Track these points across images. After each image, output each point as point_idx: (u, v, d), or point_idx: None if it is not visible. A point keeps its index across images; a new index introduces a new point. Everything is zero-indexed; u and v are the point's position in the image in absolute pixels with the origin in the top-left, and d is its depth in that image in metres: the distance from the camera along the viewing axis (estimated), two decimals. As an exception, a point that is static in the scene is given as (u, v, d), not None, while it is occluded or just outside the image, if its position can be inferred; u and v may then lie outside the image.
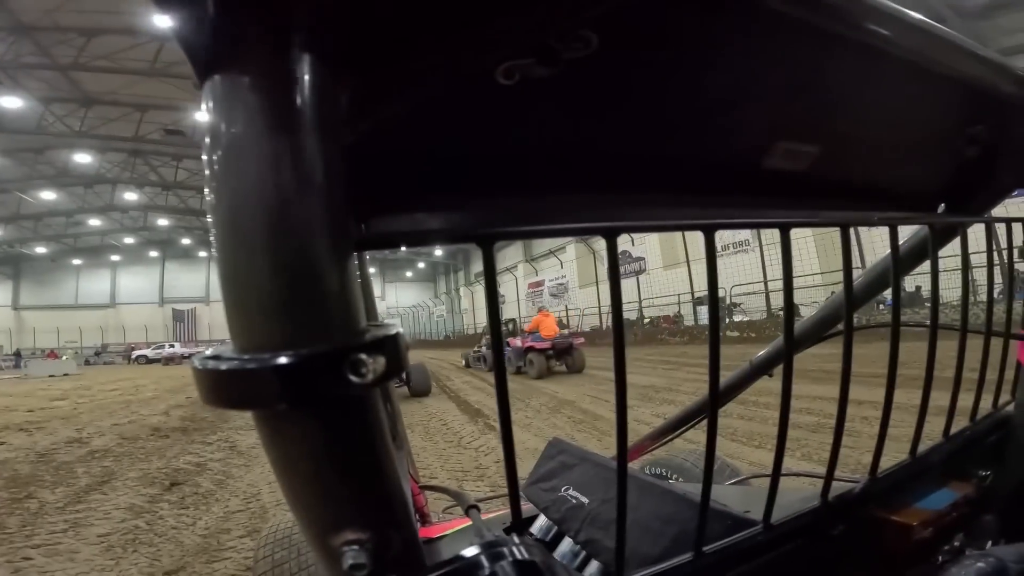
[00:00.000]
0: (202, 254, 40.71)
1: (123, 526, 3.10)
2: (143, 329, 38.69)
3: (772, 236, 0.53)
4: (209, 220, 0.28)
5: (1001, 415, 0.82)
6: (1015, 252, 0.78)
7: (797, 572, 0.60)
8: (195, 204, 29.57)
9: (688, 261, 18.65)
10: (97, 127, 20.41)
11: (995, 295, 0.79)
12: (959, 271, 0.72)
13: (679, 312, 21.10)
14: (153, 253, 40.74)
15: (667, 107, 0.47)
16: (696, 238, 0.47)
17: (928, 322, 0.68)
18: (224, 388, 0.27)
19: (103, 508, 3.44)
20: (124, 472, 4.36)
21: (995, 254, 0.77)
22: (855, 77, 0.52)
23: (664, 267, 22.08)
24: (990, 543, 0.66)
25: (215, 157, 0.26)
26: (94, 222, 33.63)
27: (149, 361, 31.32)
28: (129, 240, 38.12)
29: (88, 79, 18.06)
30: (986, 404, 0.82)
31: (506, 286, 34.29)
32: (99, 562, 2.62)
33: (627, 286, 22.35)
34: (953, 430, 0.76)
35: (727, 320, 16.80)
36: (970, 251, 0.72)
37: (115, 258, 40.40)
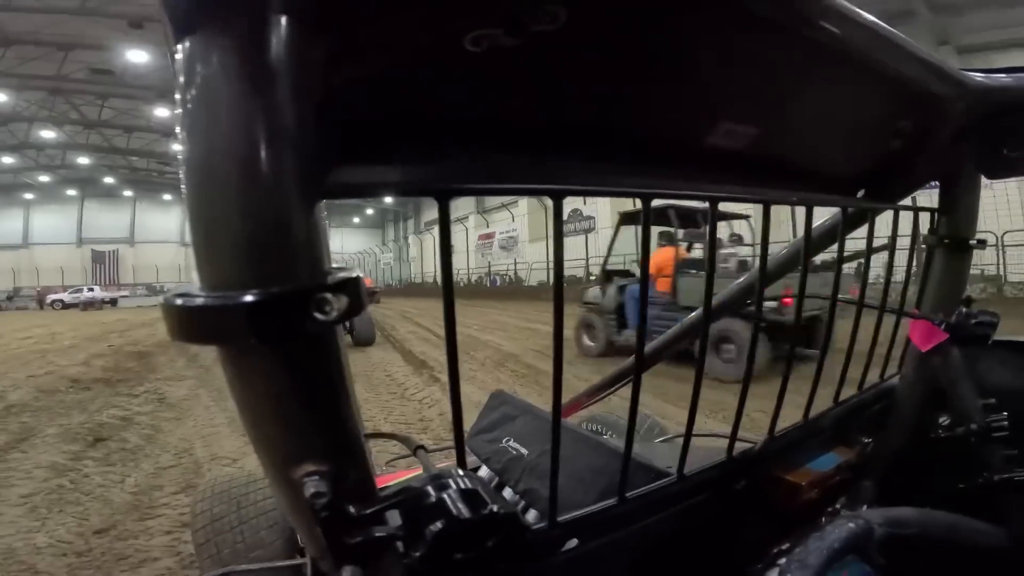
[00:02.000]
0: (127, 193, 37.39)
1: (46, 485, 2.97)
2: (59, 271, 35.56)
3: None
4: (180, 160, 0.29)
5: (886, 386, 0.90)
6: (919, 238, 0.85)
7: (707, 522, 0.67)
8: (121, 143, 26.88)
9: (636, 224, 19.00)
10: (15, 67, 18.13)
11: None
12: (884, 253, 0.79)
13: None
14: (71, 192, 36.94)
15: (624, 83, 0.49)
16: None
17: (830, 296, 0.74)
18: (194, 324, 0.29)
19: (23, 467, 3.27)
20: (43, 428, 4.12)
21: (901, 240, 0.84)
22: (801, 68, 0.54)
23: (612, 227, 22.36)
24: (865, 507, 0.75)
25: (189, 108, 0.28)
26: (7, 160, 30.08)
27: (66, 306, 28.83)
28: (45, 178, 34.43)
29: (6, 18, 15.73)
30: (874, 377, 0.89)
31: (456, 236, 33.85)
32: (24, 524, 2.52)
33: (576, 243, 22.67)
34: (842, 398, 0.84)
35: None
36: (879, 236, 0.77)
37: (28, 196, 36.46)
